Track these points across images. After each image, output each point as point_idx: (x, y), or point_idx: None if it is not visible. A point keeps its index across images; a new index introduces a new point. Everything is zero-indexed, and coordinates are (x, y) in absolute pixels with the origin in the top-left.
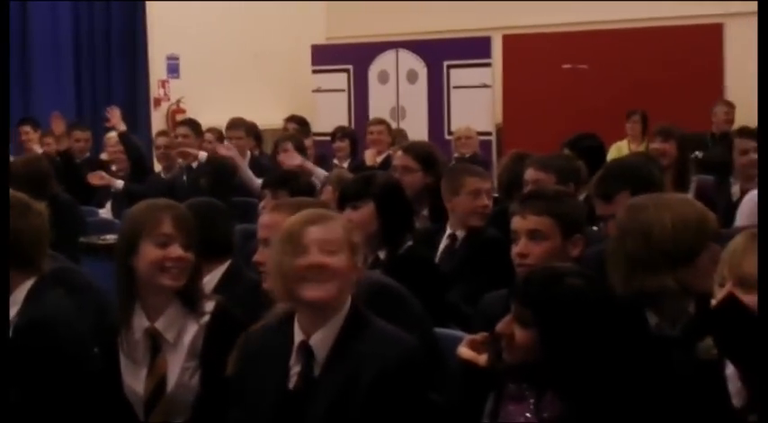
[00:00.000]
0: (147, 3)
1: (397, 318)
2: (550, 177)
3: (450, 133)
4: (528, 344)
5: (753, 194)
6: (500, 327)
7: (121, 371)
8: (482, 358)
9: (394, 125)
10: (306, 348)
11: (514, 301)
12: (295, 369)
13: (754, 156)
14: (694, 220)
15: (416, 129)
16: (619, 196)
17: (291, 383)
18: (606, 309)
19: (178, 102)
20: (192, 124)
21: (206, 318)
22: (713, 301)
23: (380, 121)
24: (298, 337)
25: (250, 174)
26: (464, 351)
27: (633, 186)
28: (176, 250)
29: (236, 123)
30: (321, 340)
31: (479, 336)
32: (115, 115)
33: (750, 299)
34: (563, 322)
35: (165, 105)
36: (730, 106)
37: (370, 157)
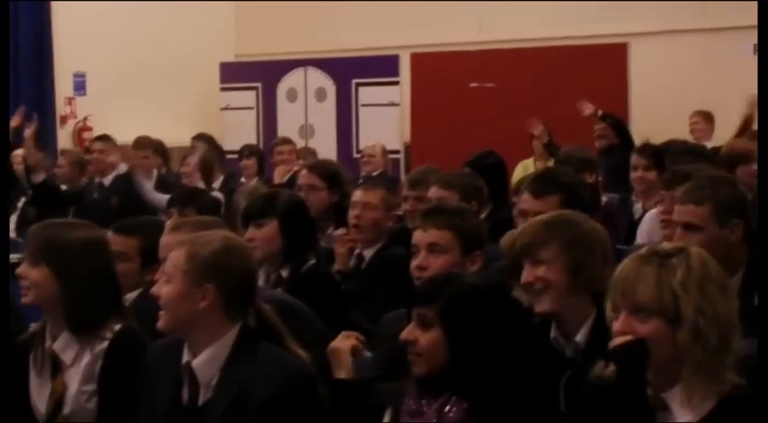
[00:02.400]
0: (53, 19)
1: (299, 336)
2: (453, 195)
3: (358, 151)
4: (432, 347)
5: (652, 213)
6: (404, 335)
7: (30, 388)
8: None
9: (302, 143)
10: (189, 370)
11: (416, 305)
12: (185, 389)
13: (643, 173)
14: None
15: (325, 147)
16: (548, 198)
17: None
18: (504, 301)
19: (85, 119)
20: (108, 139)
21: (104, 344)
22: (614, 339)
23: (287, 141)
24: (185, 357)
25: (154, 193)
26: (341, 364)
27: (564, 194)
28: (23, 267)
29: (142, 143)
30: (203, 363)
31: (355, 336)
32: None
33: (646, 327)
34: (465, 315)
35: (71, 123)
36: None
37: (281, 174)
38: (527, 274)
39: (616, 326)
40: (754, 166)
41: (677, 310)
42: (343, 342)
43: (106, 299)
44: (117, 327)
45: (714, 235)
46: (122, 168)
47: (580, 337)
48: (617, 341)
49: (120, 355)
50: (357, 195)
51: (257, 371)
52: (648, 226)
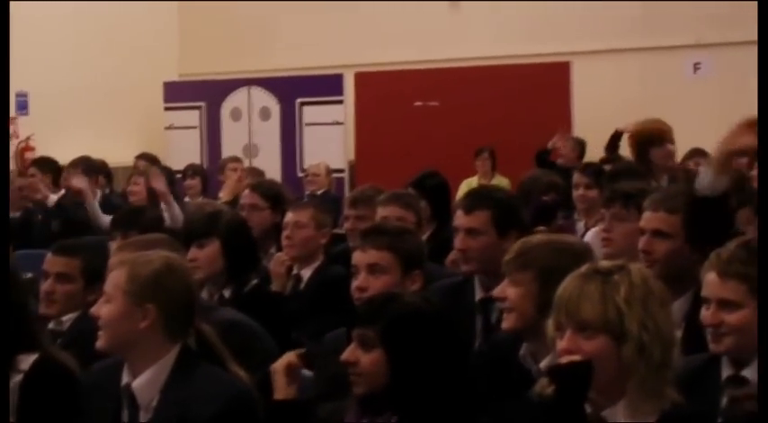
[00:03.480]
0: None
1: (249, 355)
2: (410, 215)
3: (302, 170)
4: (373, 367)
5: (593, 232)
6: (344, 355)
7: None
8: (294, 389)
9: (246, 163)
10: (128, 392)
11: (356, 325)
12: (125, 411)
13: (585, 191)
14: None
15: (269, 166)
16: (479, 213)
17: None
18: (444, 321)
19: (28, 139)
20: (42, 164)
21: (19, 377)
22: (560, 358)
23: (238, 159)
24: (125, 378)
25: (98, 211)
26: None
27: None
28: None
29: (75, 163)
30: (143, 384)
31: (294, 355)
32: None
33: (592, 345)
34: (405, 335)
35: (14, 143)
36: (577, 141)
37: (230, 190)
38: (499, 289)
39: (561, 344)
40: (669, 147)
41: (622, 326)
42: (280, 363)
43: (16, 331)
44: (32, 357)
45: (680, 246)
46: (51, 200)
47: (545, 363)
48: (562, 361)
49: (36, 386)
50: (288, 216)
51: (197, 393)
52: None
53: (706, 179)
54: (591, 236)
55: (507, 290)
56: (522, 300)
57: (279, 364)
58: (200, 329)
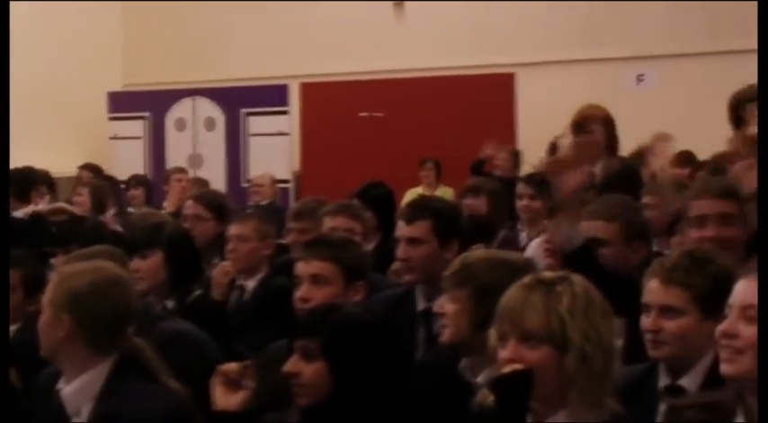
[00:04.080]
0: None
1: (195, 366)
2: (358, 226)
3: (247, 181)
4: (316, 378)
5: (535, 242)
6: (287, 367)
7: None
8: (234, 400)
9: (191, 173)
10: (59, 398)
11: (298, 337)
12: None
13: (528, 202)
14: None
15: (214, 176)
16: (419, 223)
17: None
18: (386, 332)
19: None
20: None
21: None
22: (504, 367)
23: (183, 169)
24: (60, 384)
25: None
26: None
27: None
28: None
29: None
30: (72, 393)
31: (234, 366)
32: None
33: (535, 354)
34: (347, 346)
35: None
36: (512, 152)
37: (174, 200)
38: (438, 304)
39: (504, 354)
40: (594, 131)
41: (565, 336)
42: (223, 374)
43: None
44: None
45: (620, 253)
46: None
47: (482, 378)
48: (505, 370)
49: None
50: (231, 229)
51: (129, 407)
52: (531, 255)
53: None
54: (533, 247)
55: (445, 305)
56: (459, 316)
57: (221, 377)
58: (133, 343)
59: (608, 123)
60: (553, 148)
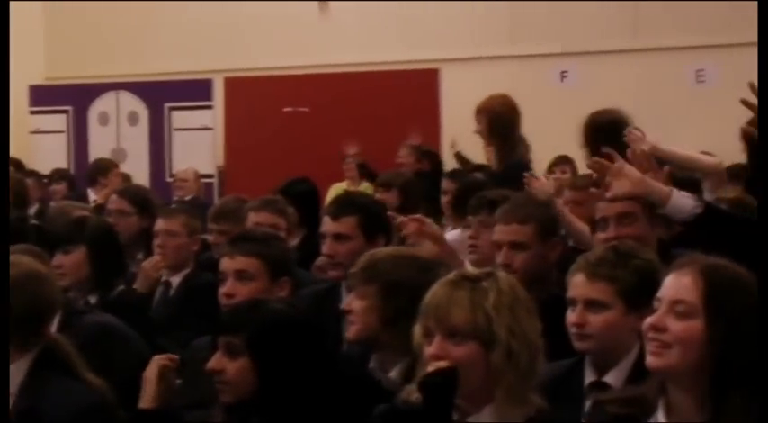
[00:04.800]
0: None
1: (122, 359)
2: (282, 221)
3: (171, 176)
4: (240, 375)
5: (454, 233)
6: (211, 364)
7: None
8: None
9: None
10: None
11: (222, 333)
12: None
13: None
14: None
15: (137, 171)
16: (345, 219)
17: None
18: (310, 328)
19: None
20: None
21: None
22: (429, 366)
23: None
24: None
25: None
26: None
27: (361, 216)
28: None
29: None
30: None
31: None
32: None
33: (461, 351)
34: (271, 342)
35: None
36: (414, 148)
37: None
38: (348, 301)
39: (429, 350)
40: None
41: (491, 332)
42: (152, 369)
43: None
44: None
45: (538, 253)
46: None
47: (395, 373)
48: (430, 367)
49: None
50: (159, 223)
51: (49, 402)
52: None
53: None
54: (452, 237)
55: (353, 302)
56: (366, 313)
57: (150, 372)
58: (52, 338)
59: (492, 115)
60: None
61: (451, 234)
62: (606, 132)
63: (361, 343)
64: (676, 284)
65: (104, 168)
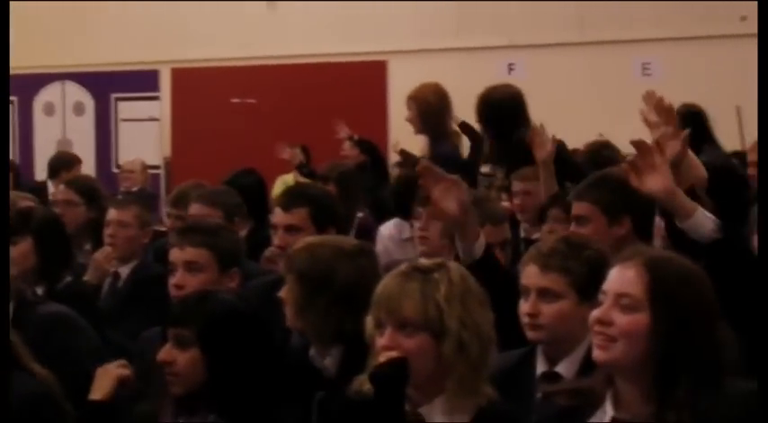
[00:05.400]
0: None
1: (76, 349)
2: (216, 212)
3: (117, 167)
4: (190, 366)
5: (384, 229)
6: (161, 355)
7: None
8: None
9: None
10: None
11: (172, 325)
12: None
13: None
14: None
15: (84, 162)
16: (297, 211)
17: None
18: (258, 320)
19: None
20: None
21: None
22: (380, 357)
23: None
24: None
25: None
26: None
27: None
28: None
29: None
30: None
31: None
32: None
33: (412, 342)
34: (221, 334)
35: None
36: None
37: None
38: (283, 289)
39: (381, 341)
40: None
41: (442, 323)
42: (113, 370)
43: None
44: None
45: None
46: None
47: (329, 360)
48: (381, 358)
49: None
50: (111, 214)
51: None
52: (382, 244)
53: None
54: (386, 229)
55: (283, 291)
56: (289, 301)
57: (110, 372)
58: None
59: (422, 103)
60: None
61: (385, 226)
62: (500, 108)
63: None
64: (621, 278)
65: (69, 162)
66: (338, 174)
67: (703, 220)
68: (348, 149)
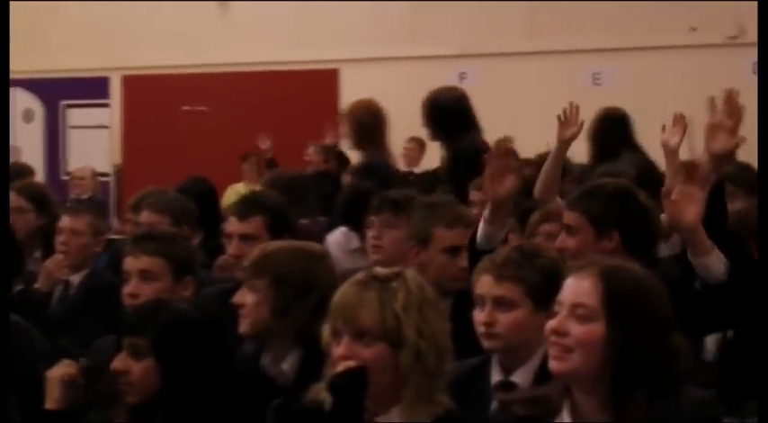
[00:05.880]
0: None
1: (27, 356)
2: (165, 220)
3: (67, 174)
4: (145, 376)
5: (332, 237)
6: (115, 364)
7: None
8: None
9: None
10: None
11: (126, 334)
12: None
13: None
14: None
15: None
16: (252, 220)
17: None
18: (214, 328)
19: None
20: None
21: None
22: (339, 366)
23: None
24: None
25: None
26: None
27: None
28: None
29: None
30: None
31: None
32: None
33: (370, 352)
34: (176, 343)
35: None
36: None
37: None
38: (238, 296)
39: (338, 351)
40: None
41: (399, 333)
42: (57, 371)
43: None
44: None
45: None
46: None
47: (286, 365)
48: (339, 368)
49: None
50: (64, 221)
51: None
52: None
53: (481, 232)
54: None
55: (245, 296)
56: (258, 306)
57: (55, 373)
58: None
59: (354, 121)
60: None
61: (333, 235)
62: (445, 111)
63: (255, 337)
64: (576, 288)
65: (22, 173)
66: (285, 181)
67: (715, 264)
68: (312, 155)
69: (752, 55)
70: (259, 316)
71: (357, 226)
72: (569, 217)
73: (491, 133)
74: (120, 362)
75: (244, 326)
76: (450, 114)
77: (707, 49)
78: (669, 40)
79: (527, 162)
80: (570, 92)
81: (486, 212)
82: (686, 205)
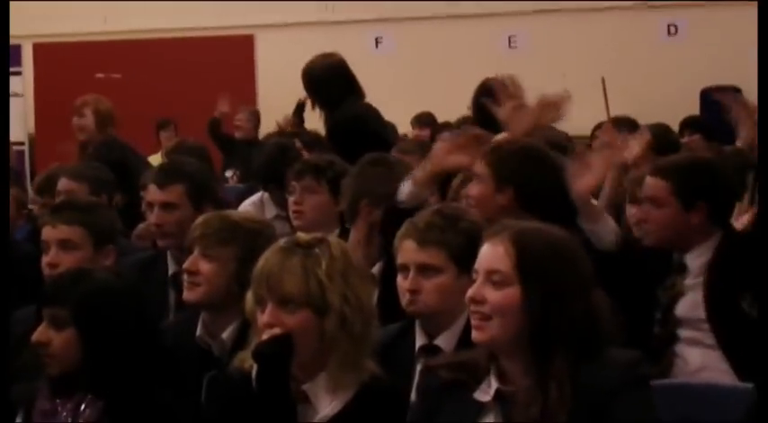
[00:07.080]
0: None
1: None
2: (83, 187)
3: None
4: (66, 347)
5: (248, 202)
6: (36, 336)
7: None
8: None
9: None
10: None
11: (46, 305)
12: None
13: None
14: None
15: None
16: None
17: None
18: (135, 298)
19: None
20: None
21: None
22: (264, 334)
23: None
24: None
25: None
26: None
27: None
28: None
29: None
30: None
31: None
32: None
33: (295, 319)
34: (97, 313)
35: None
36: (252, 113)
37: None
38: (190, 262)
39: (262, 318)
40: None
41: (324, 299)
42: None
43: None
44: None
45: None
46: None
47: (226, 334)
48: (264, 335)
49: None
50: None
51: None
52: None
53: (406, 191)
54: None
55: (199, 264)
56: (217, 275)
57: None
58: None
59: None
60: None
61: (245, 203)
62: (323, 80)
63: (197, 306)
64: (490, 254)
65: None
66: (198, 151)
67: (605, 231)
68: (243, 121)
69: (665, 16)
70: (215, 286)
71: (281, 185)
72: (479, 167)
73: (406, 97)
74: (40, 333)
75: (195, 294)
76: (327, 82)
77: (621, 12)
78: (584, 3)
79: (447, 126)
80: (487, 56)
81: (418, 174)
82: (585, 173)
